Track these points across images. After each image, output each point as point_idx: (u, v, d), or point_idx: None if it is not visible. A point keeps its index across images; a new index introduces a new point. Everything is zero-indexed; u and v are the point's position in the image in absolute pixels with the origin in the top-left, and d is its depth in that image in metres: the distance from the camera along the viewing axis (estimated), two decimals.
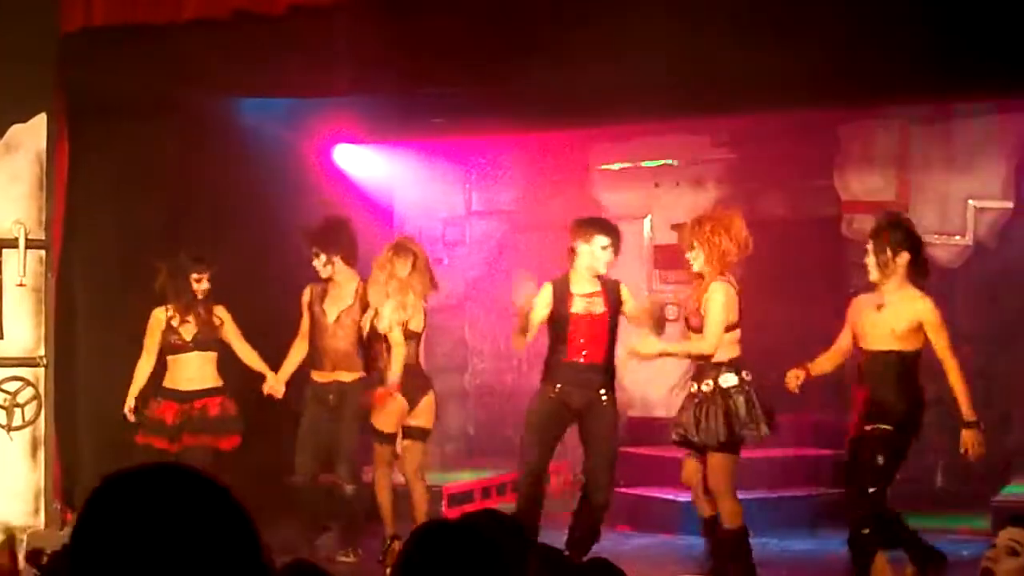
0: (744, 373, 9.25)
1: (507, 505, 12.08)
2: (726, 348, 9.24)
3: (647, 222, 14.44)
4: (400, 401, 10.46)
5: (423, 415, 10.64)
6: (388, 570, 9.11)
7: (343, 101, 11.92)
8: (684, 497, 11.66)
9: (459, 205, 15.16)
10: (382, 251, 10.77)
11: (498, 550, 2.91)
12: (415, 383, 10.57)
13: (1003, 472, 12.26)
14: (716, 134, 14.01)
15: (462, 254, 14.81)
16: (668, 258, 14.32)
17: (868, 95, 12.15)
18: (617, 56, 10.20)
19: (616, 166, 14.55)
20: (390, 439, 10.57)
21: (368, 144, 13.96)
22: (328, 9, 9.85)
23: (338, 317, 11.01)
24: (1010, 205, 12.96)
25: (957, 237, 13.13)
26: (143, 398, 10.80)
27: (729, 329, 9.26)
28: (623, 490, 12.40)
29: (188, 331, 10.85)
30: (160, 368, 10.90)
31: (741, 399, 9.14)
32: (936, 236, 13.12)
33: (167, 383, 10.85)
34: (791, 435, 12.82)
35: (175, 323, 10.85)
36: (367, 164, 14.16)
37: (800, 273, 13.49)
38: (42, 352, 10.71)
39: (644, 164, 14.43)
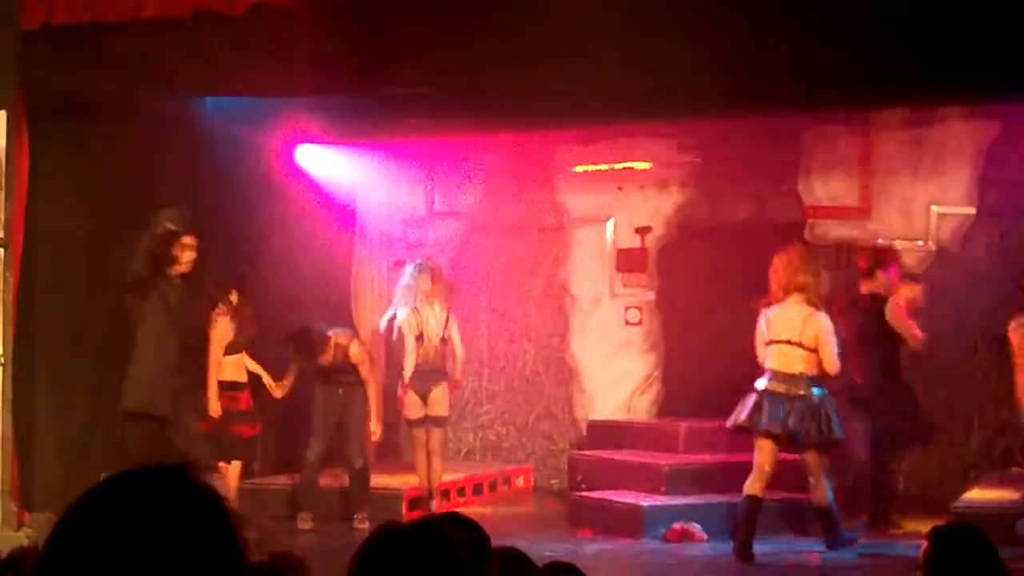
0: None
1: (469, 508, 12.08)
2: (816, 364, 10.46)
3: (610, 225, 14.42)
4: (412, 396, 12.11)
5: (436, 405, 12.17)
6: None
7: (305, 101, 11.88)
8: (645, 501, 11.67)
9: (421, 206, 15.12)
10: (407, 270, 12.44)
11: (457, 552, 2.87)
12: (428, 378, 12.14)
13: (964, 477, 12.29)
14: (681, 138, 14.00)
15: (424, 255, 14.76)
16: (630, 261, 14.32)
17: (832, 101, 12.17)
18: (581, 59, 10.18)
19: (579, 169, 14.52)
20: (416, 424, 12.22)
21: (330, 144, 13.90)
22: (289, 9, 9.81)
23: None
24: (972, 211, 13.00)
25: (920, 242, 13.17)
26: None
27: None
28: (583, 494, 12.39)
29: (240, 332, 11.68)
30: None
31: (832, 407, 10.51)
32: (899, 241, 13.16)
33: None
34: (750, 440, 12.83)
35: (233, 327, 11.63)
36: (329, 164, 14.11)
37: (763, 277, 13.48)
38: (0, 351, 10.61)
39: (608, 167, 14.40)
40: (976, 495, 11.45)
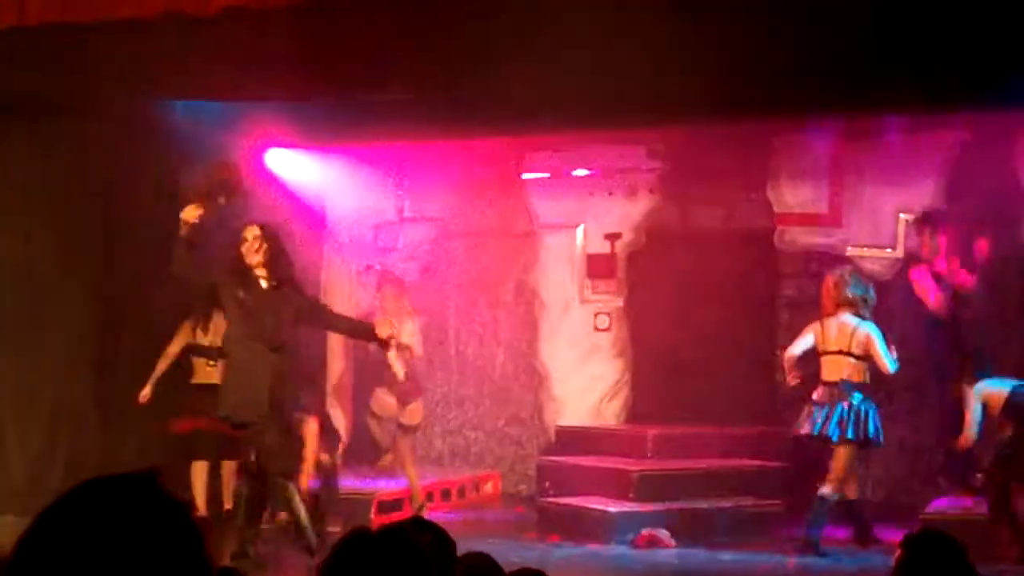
0: None
1: (438, 513, 12.07)
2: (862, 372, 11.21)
3: (580, 231, 14.43)
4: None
5: (412, 415, 12.58)
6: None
7: (276, 105, 11.86)
8: (614, 507, 11.68)
9: (391, 211, 15.09)
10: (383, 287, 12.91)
11: (424, 557, 2.87)
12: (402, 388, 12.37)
13: (934, 484, 12.33)
14: (650, 144, 14.03)
15: (394, 260, 14.74)
16: (600, 267, 14.33)
17: (801, 109, 12.21)
18: (551, 65, 10.19)
19: (549, 175, 14.53)
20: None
21: (301, 149, 13.87)
22: (261, 12, 9.77)
23: None
24: None
25: (888, 250, 13.22)
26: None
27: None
28: (552, 500, 12.40)
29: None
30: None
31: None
32: (867, 249, 13.21)
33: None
34: (718, 446, 12.88)
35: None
36: (299, 169, 14.08)
37: (732, 284, 13.53)
38: None
39: (578, 173, 14.41)
40: (945, 502, 11.52)
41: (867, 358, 11.13)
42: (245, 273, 9.91)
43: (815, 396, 11.26)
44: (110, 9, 9.83)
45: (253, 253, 9.86)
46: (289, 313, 9.91)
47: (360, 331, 10.90)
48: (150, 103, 11.70)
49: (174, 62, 10.60)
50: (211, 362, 11.83)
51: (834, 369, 11.18)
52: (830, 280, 11.51)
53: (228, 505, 11.88)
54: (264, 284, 9.92)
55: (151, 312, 12.16)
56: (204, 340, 12.05)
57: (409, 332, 12.43)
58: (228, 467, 12.00)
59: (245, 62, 10.50)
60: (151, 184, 11.86)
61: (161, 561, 2.04)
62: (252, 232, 9.99)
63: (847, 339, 11.19)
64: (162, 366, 11.80)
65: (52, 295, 11.34)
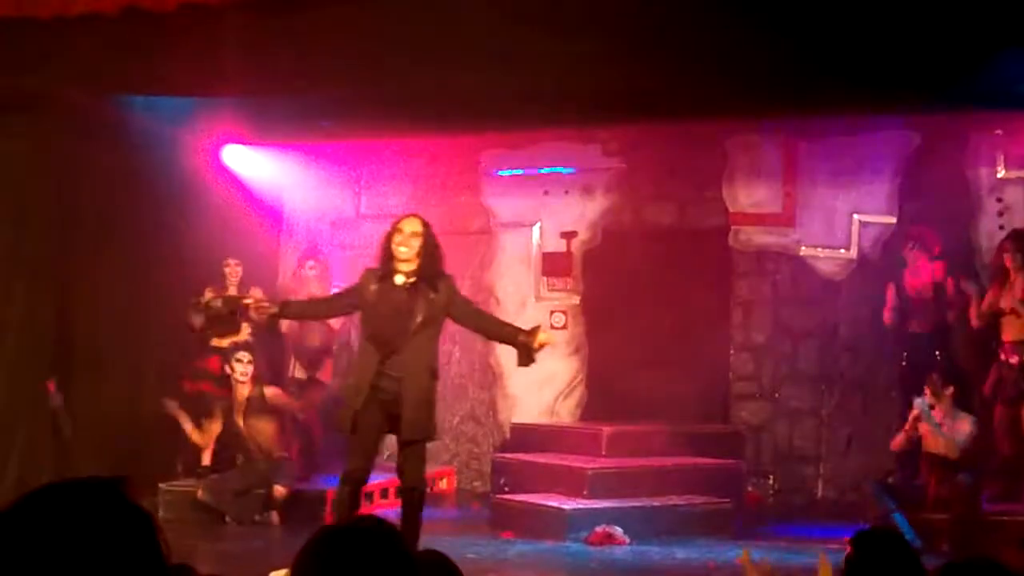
0: None
1: (393, 510, 12.09)
2: None
3: (536, 229, 14.47)
4: None
5: None
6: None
7: (233, 101, 11.83)
8: (568, 504, 11.72)
9: (348, 208, 15.11)
10: None
11: (404, 551, 2.89)
12: None
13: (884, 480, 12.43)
14: (606, 143, 14.08)
15: (351, 257, 14.74)
16: (556, 266, 14.38)
17: (756, 109, 12.29)
18: (506, 64, 10.23)
19: (506, 173, 14.57)
20: None
21: (258, 145, 13.87)
22: (219, 8, 9.79)
23: None
24: (893, 220, 13.17)
25: (842, 250, 13.33)
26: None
27: None
28: (506, 497, 12.43)
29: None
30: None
31: None
32: (821, 249, 13.32)
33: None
34: (671, 444, 12.93)
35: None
36: (256, 165, 14.07)
37: (687, 283, 13.59)
38: None
39: (534, 172, 14.45)
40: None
41: None
42: (386, 265, 9.17)
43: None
44: (67, 5, 9.84)
45: (405, 247, 9.08)
46: (420, 312, 9.05)
47: (506, 333, 10.02)
48: (107, 99, 11.67)
49: (131, 58, 10.59)
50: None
51: None
52: None
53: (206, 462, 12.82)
54: (401, 280, 9.12)
55: (104, 311, 12.17)
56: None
57: None
58: (213, 427, 12.77)
59: (201, 58, 10.49)
60: (108, 180, 11.83)
61: (120, 565, 2.07)
62: (411, 225, 9.21)
63: None
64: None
65: (5, 290, 11.30)
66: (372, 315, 9.12)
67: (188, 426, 12.78)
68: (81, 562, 2.04)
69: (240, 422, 12.47)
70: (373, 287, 9.10)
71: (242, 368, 12.44)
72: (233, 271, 13.06)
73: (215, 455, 12.81)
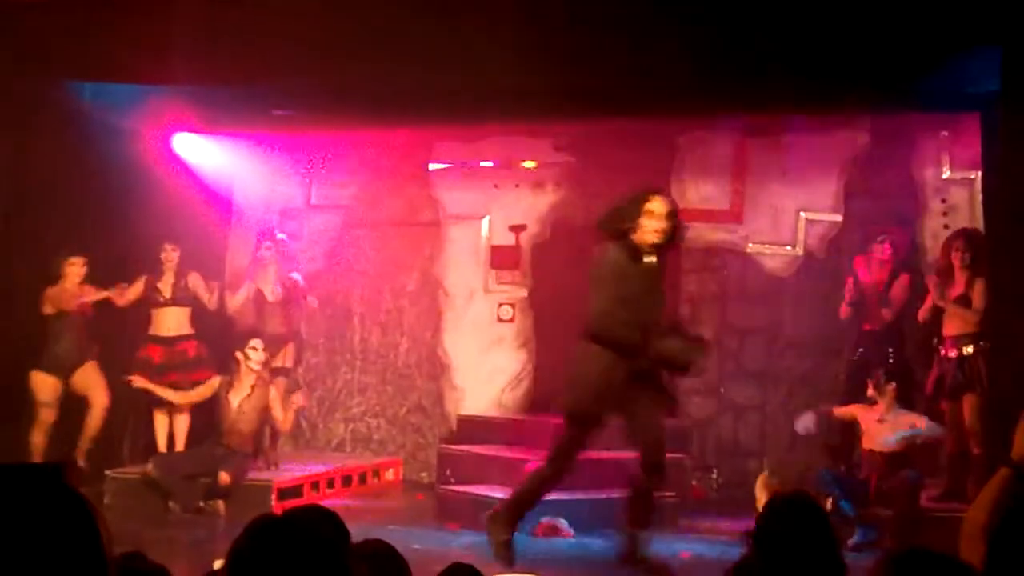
0: None
1: (338, 500, 12.11)
2: None
3: (485, 222, 14.50)
4: None
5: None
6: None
7: (184, 89, 11.79)
8: None
9: (298, 198, 15.09)
10: None
11: (328, 546, 2.91)
12: None
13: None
14: (556, 138, 14.12)
15: (299, 247, 14.74)
16: (504, 259, 14.41)
17: (705, 106, 12.34)
18: (459, 57, 10.26)
19: (456, 166, 14.59)
20: None
21: (208, 134, 13.83)
22: None
23: None
24: (839, 218, 13.29)
25: (788, 247, 13.43)
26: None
27: None
28: (452, 488, 12.48)
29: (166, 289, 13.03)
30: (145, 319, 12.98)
31: None
32: (768, 246, 13.42)
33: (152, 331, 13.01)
34: (617, 438, 12.97)
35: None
36: (206, 154, 14.03)
37: None
38: None
39: (484, 165, 14.48)
40: None
41: None
42: (634, 246, 9.11)
43: None
44: None
45: (658, 230, 9.08)
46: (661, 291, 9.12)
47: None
48: (56, 85, 11.62)
49: (81, 44, 10.55)
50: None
51: None
52: None
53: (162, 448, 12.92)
54: (648, 259, 9.07)
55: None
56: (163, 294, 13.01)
57: None
58: (181, 420, 12.94)
59: (152, 45, 10.47)
60: (55, 168, 11.78)
61: (55, 551, 2.09)
62: (659, 205, 9.19)
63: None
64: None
65: None
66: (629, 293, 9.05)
67: (163, 391, 12.78)
68: (17, 546, 2.06)
69: (233, 404, 12.52)
70: (623, 263, 9.09)
71: (256, 356, 12.67)
72: (169, 256, 13.02)
73: (190, 432, 12.96)
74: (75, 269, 12.42)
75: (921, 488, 11.18)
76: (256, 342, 12.67)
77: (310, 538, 2.83)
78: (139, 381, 12.69)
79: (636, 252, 9.12)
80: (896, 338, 12.37)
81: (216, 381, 12.74)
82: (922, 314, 11.96)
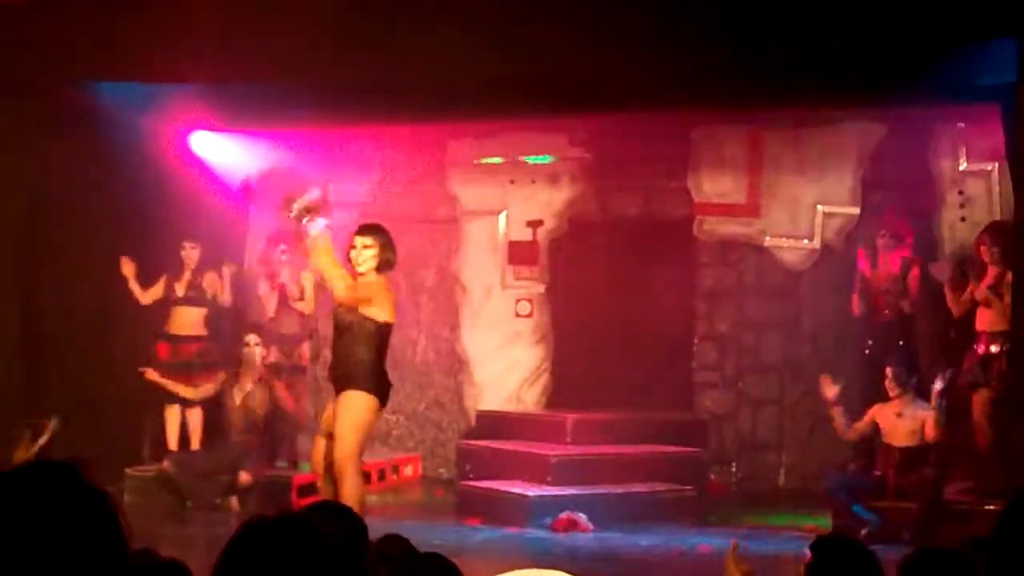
0: None
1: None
2: None
3: (502, 218, 14.50)
4: None
5: None
6: None
7: (202, 88, 11.81)
8: (532, 491, 11.78)
9: (316, 196, 15.07)
10: None
11: (323, 543, 2.86)
12: None
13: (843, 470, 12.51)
14: (572, 133, 14.11)
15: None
16: (522, 254, 14.41)
17: (722, 100, 12.34)
18: (477, 53, 10.26)
19: (473, 162, 14.58)
20: None
21: (226, 132, 13.84)
22: None
23: None
24: (856, 211, 13.27)
25: (805, 240, 13.42)
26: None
27: None
28: (471, 483, 12.50)
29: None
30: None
31: None
32: (785, 239, 13.40)
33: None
34: (635, 432, 13.00)
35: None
36: (224, 152, 14.04)
37: (652, 272, 13.68)
38: None
39: (500, 160, 14.48)
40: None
41: None
42: None
43: None
44: None
45: None
46: None
47: None
48: (74, 85, 11.65)
49: (99, 44, 10.57)
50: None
51: None
52: None
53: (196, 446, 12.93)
54: None
55: (70, 298, 12.20)
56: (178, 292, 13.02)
57: None
58: (194, 415, 12.94)
59: (170, 44, 10.49)
60: (75, 167, 11.81)
61: (78, 547, 2.11)
62: None
63: None
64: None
65: None
66: None
67: (175, 386, 12.85)
68: (40, 543, 2.07)
69: (238, 398, 12.62)
70: None
71: (251, 351, 12.74)
72: (189, 254, 13.04)
73: (204, 428, 12.97)
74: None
75: (943, 483, 11.14)
76: (251, 337, 12.69)
77: (303, 543, 2.79)
78: (151, 375, 12.76)
79: None
80: (907, 330, 12.34)
81: (221, 377, 12.81)
82: (952, 304, 11.83)
